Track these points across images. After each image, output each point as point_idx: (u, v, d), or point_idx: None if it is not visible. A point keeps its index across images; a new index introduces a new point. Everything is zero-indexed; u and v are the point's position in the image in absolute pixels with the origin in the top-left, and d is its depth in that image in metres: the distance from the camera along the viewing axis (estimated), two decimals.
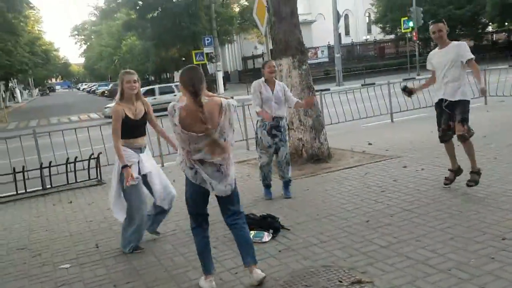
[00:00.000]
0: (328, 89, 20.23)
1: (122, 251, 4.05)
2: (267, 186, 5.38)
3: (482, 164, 5.68)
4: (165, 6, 29.71)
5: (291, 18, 6.90)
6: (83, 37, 78.16)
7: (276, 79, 5.29)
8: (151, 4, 30.44)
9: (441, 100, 4.80)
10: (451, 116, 4.71)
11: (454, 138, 4.88)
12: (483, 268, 3.04)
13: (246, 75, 37.48)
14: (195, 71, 3.03)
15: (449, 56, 4.61)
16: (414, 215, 4.17)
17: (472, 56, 4.59)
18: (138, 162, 3.92)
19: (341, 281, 3.04)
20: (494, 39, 39.93)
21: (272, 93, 5.04)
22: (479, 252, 3.30)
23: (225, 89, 30.91)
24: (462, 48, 4.60)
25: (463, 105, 4.64)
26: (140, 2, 31.45)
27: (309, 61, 29.20)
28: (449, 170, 5.02)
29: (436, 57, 4.80)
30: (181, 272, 3.54)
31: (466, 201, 4.43)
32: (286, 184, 5.32)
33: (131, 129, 3.89)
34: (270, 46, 7.98)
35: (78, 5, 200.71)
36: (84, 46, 79.11)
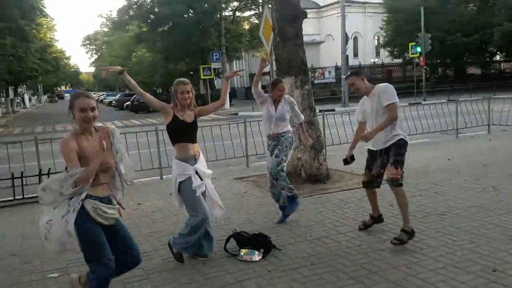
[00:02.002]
0: (333, 110, 20.30)
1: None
2: (282, 209, 5.04)
3: (480, 193, 5.67)
4: (176, 21, 30.14)
5: (295, 39, 6.97)
6: (94, 46, 79.25)
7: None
8: (163, 18, 30.90)
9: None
10: (384, 163, 4.18)
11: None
12: None
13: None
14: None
15: (373, 104, 4.14)
16: (411, 243, 4.13)
17: (393, 101, 4.02)
18: (196, 172, 3.91)
19: None
20: (502, 68, 40.03)
21: (275, 111, 4.98)
22: (469, 283, 3.26)
23: (231, 105, 31.07)
24: (381, 94, 4.06)
25: (397, 146, 4.08)
26: (152, 16, 31.95)
27: (316, 81, 29.34)
28: (370, 215, 4.61)
29: (365, 105, 4.29)
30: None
31: (461, 230, 4.38)
32: (288, 199, 4.96)
33: (183, 132, 3.92)
34: (274, 65, 8.05)
35: (92, 15, 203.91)
36: (95, 56, 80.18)
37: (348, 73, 4.54)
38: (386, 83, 4.29)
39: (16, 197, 6.62)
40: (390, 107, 4.01)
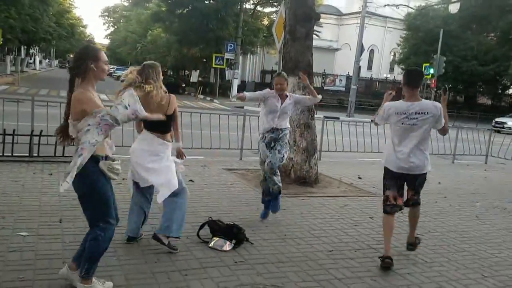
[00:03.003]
0: (338, 118, 20.25)
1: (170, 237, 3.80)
2: (266, 203, 5.02)
3: (462, 220, 5.66)
4: (195, 5, 30.04)
5: (305, 39, 6.95)
6: (112, 19, 79.15)
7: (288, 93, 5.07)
8: (183, 1, 30.81)
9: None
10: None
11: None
12: None
13: (261, 88, 37.59)
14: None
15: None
16: (378, 254, 4.12)
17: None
18: None
19: None
20: None
21: (280, 106, 4.87)
22: None
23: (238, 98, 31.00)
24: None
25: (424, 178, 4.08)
26: None
27: (325, 87, 29.20)
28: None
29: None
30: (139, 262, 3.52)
31: (435, 253, 4.38)
32: (273, 196, 4.94)
33: None
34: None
35: None
36: (112, 29, 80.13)
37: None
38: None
39: (4, 154, 6.63)
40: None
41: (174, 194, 3.78)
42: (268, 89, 5.07)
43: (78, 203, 3.30)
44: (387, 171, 4.02)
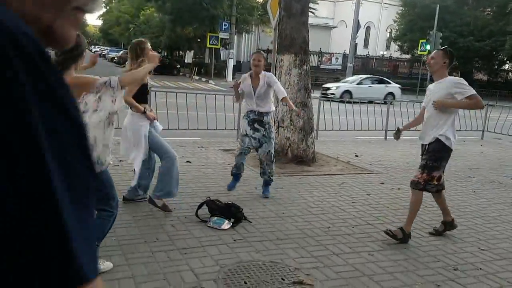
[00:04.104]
0: (334, 94, 20.16)
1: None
2: (235, 176, 5.14)
3: (459, 195, 5.70)
4: None
5: (300, 15, 6.86)
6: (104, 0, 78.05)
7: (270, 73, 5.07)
8: None
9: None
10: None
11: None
12: None
13: None
14: None
15: (437, 92, 4.03)
16: (376, 230, 4.17)
17: (473, 93, 3.90)
18: None
19: (283, 279, 3.04)
20: (509, 77, 39.80)
21: (255, 89, 4.79)
22: (428, 277, 3.30)
23: (233, 77, 30.84)
24: (455, 85, 3.97)
25: (434, 148, 3.93)
26: None
27: (322, 66, 28.79)
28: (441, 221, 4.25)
29: (428, 91, 4.16)
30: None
31: (431, 227, 4.41)
32: (266, 182, 5.08)
33: None
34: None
35: None
36: (104, 9, 78.92)
37: (445, 47, 4.24)
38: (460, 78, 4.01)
39: None
40: (472, 97, 3.85)
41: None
42: (244, 74, 5.04)
43: None
44: (450, 152, 3.95)
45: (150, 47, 4.00)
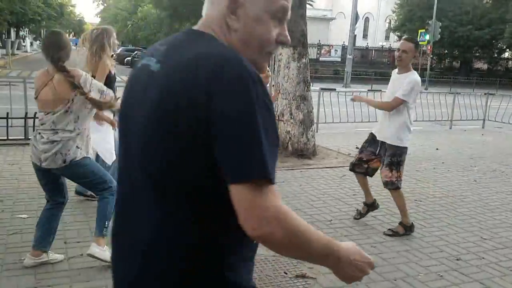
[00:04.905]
0: (334, 89, 20.09)
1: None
2: None
3: (460, 185, 5.69)
4: None
5: (298, 8, 6.81)
6: None
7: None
8: None
9: None
10: (380, 154, 3.99)
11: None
12: (429, 284, 3.04)
13: None
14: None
15: (395, 84, 3.95)
16: (378, 222, 4.17)
17: (401, 97, 3.77)
18: None
19: (286, 273, 3.05)
20: (509, 65, 39.65)
21: None
22: (430, 268, 3.30)
23: None
24: (405, 82, 3.81)
25: (396, 149, 3.87)
26: None
27: (321, 58, 28.81)
28: (363, 203, 4.27)
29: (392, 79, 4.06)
30: None
31: (433, 217, 4.42)
32: None
33: None
34: None
35: None
36: (102, 6, 78.56)
37: (410, 37, 4.06)
38: (417, 79, 3.82)
39: (0, 137, 6.58)
40: (395, 99, 3.76)
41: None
42: None
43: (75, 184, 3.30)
44: (407, 149, 3.94)
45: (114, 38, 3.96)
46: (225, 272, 0.98)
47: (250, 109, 0.88)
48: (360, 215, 4.19)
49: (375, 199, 4.24)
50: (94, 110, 3.04)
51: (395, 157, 3.84)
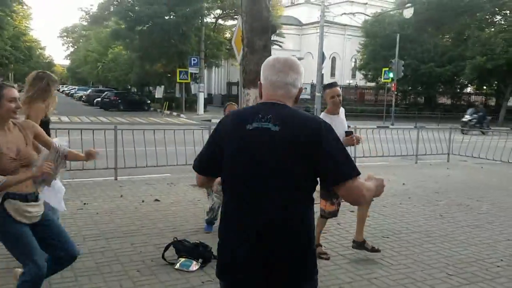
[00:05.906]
0: None
1: None
2: (210, 223, 5.01)
3: (426, 219, 5.77)
4: (155, 21, 29.79)
5: (263, 51, 6.99)
6: (71, 39, 77.43)
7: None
8: (142, 17, 30.49)
9: None
10: None
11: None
12: None
13: (228, 99, 37.68)
14: None
15: (341, 124, 4.44)
16: (345, 261, 4.14)
17: None
18: None
19: None
20: (472, 100, 41.39)
21: None
22: None
23: (205, 111, 30.93)
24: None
25: None
26: (132, 14, 31.52)
27: None
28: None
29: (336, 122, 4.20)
30: None
31: (400, 254, 4.44)
32: None
33: None
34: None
35: (72, 8, 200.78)
36: (72, 49, 78.51)
37: (335, 82, 4.55)
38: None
39: None
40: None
41: None
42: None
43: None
44: None
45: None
46: (312, 232, 1.83)
47: (338, 140, 1.79)
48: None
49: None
50: None
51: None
